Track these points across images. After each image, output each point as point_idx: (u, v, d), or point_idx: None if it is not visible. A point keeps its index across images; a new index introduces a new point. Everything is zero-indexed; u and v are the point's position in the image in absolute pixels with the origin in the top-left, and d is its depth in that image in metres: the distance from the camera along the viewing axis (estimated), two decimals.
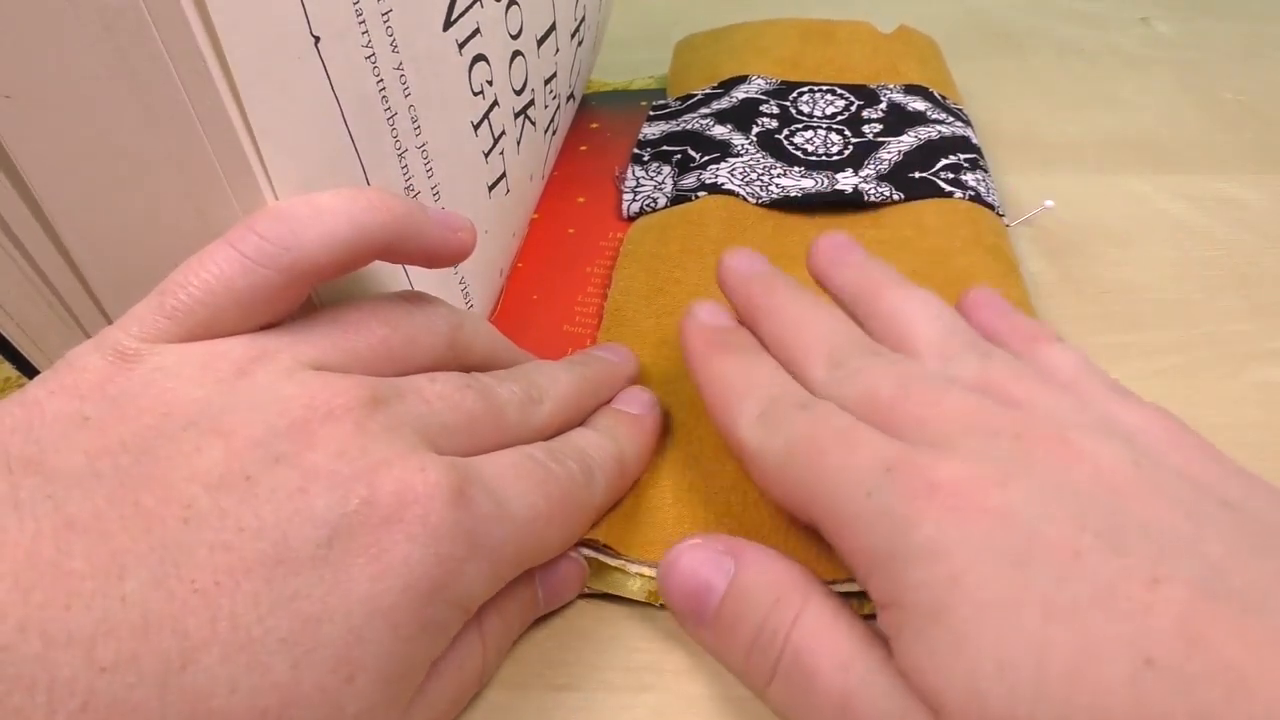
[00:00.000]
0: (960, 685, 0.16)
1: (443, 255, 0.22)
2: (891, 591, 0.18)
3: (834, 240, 0.26)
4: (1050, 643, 0.15)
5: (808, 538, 0.23)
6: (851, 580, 0.21)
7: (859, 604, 0.21)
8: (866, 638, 0.19)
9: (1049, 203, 0.36)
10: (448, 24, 0.26)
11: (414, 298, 0.22)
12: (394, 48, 0.23)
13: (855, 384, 0.21)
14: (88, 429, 0.16)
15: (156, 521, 0.15)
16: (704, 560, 0.21)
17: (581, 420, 0.25)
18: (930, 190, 0.35)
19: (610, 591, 0.24)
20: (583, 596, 0.24)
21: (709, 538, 0.21)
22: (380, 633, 0.17)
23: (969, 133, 0.38)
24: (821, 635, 0.19)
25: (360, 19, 0.21)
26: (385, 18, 0.22)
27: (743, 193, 0.35)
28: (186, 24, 0.16)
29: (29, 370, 0.23)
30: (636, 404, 0.26)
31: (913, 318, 0.23)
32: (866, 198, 0.35)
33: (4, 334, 0.23)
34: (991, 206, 0.35)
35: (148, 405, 0.17)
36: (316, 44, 0.20)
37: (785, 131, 0.38)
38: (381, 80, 0.22)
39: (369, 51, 0.22)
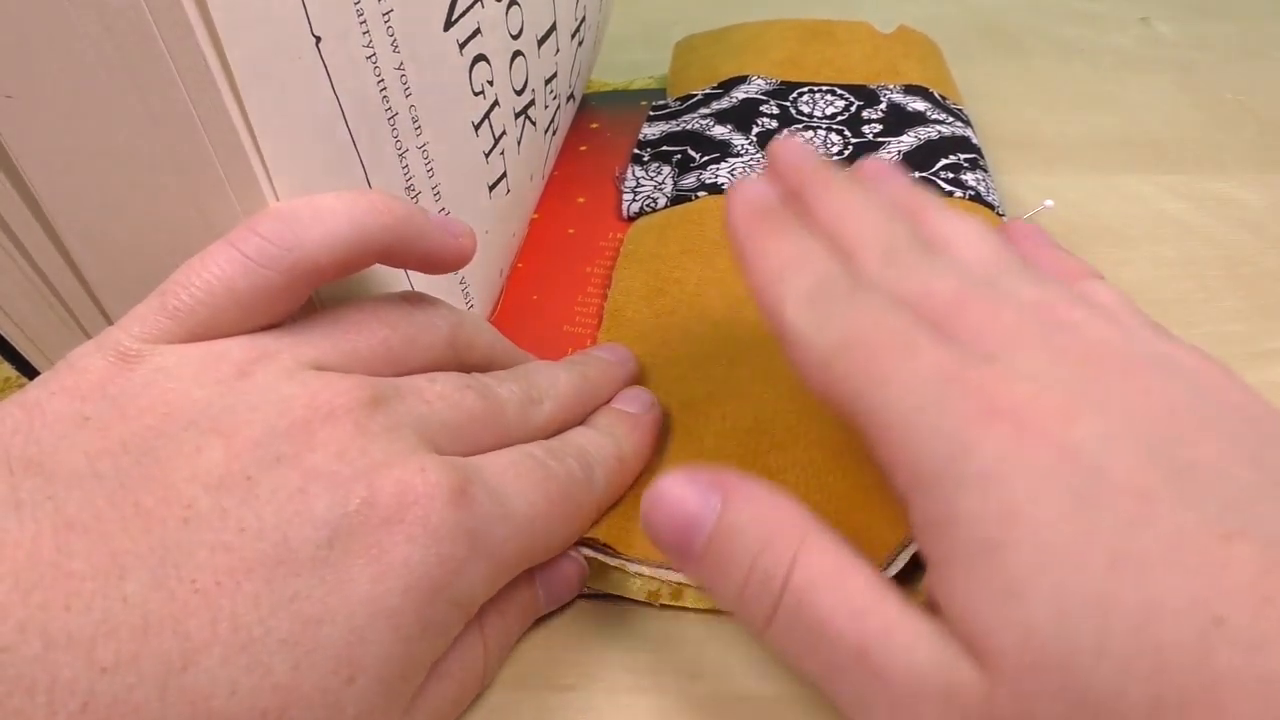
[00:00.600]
0: (1014, 633, 0.15)
1: (443, 260, 0.22)
2: (936, 514, 0.17)
3: (881, 163, 0.26)
4: (1115, 595, 0.15)
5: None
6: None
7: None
8: (877, 580, 0.18)
9: (1049, 203, 0.36)
10: (448, 24, 0.25)
11: (414, 298, 0.22)
12: (395, 48, 0.23)
13: (911, 281, 0.20)
14: (88, 429, 0.16)
15: (157, 522, 0.15)
16: (689, 495, 0.19)
17: (581, 420, 0.25)
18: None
19: (610, 591, 0.24)
20: (583, 596, 0.24)
21: (695, 470, 0.20)
22: (381, 634, 0.17)
23: (969, 133, 0.38)
24: (827, 581, 0.18)
25: (361, 19, 0.21)
26: (386, 18, 0.22)
27: None
28: (188, 24, 0.16)
29: (29, 371, 0.23)
30: (635, 403, 0.26)
31: (964, 233, 0.22)
32: None
33: (3, 335, 0.23)
34: (991, 206, 0.35)
35: (148, 406, 0.17)
36: (318, 44, 0.20)
37: (785, 132, 0.38)
38: (382, 80, 0.22)
39: (370, 51, 0.22)
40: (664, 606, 0.23)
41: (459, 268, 0.23)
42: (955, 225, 0.23)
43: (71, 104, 0.18)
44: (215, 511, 0.16)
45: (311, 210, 0.19)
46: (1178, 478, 0.16)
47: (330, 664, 0.16)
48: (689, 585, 0.23)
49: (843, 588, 0.18)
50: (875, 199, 0.23)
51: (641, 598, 0.23)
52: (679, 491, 0.19)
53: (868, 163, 0.26)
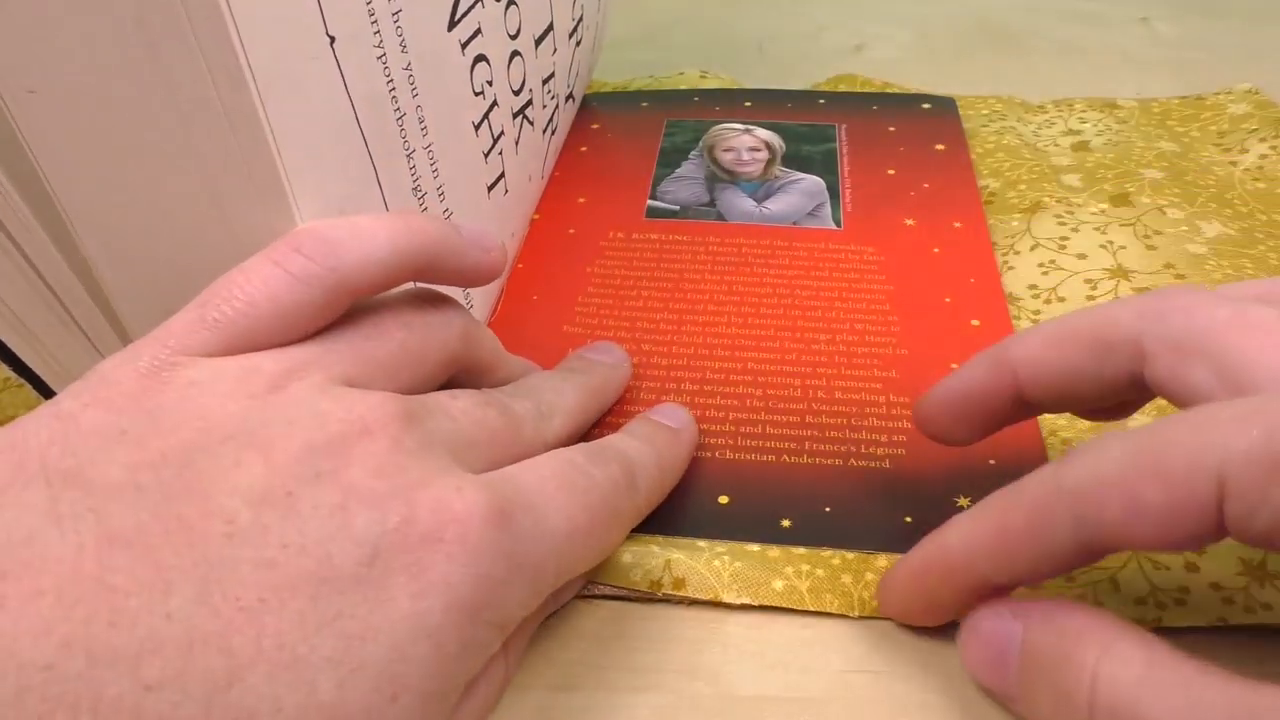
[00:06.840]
0: None
1: (477, 276, 0.22)
2: None
3: None
4: None
5: None
6: None
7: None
8: (1194, 670, 0.16)
9: None
10: (452, 24, 0.26)
11: (426, 295, 0.22)
12: (403, 48, 0.23)
13: None
14: (125, 442, 0.16)
15: (199, 536, 0.15)
16: (996, 625, 0.20)
17: (589, 427, 0.25)
18: None
19: (612, 583, 0.23)
20: (582, 596, 0.24)
21: (997, 604, 0.20)
22: (424, 651, 0.16)
23: None
24: (1142, 687, 0.17)
25: (372, 19, 0.21)
26: (395, 18, 0.22)
27: None
28: (221, 19, 0.16)
29: (27, 373, 0.23)
30: (674, 419, 0.26)
31: None
32: None
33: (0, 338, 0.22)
34: None
35: (183, 420, 0.17)
36: (332, 44, 0.20)
37: None
38: (391, 81, 0.22)
39: (380, 52, 0.22)
40: (666, 598, 0.23)
41: (491, 281, 0.23)
42: None
43: (97, 101, 0.18)
44: (257, 527, 0.16)
45: (350, 230, 0.19)
46: None
47: (374, 682, 0.16)
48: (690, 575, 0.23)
49: (1160, 692, 0.16)
50: None
51: (644, 588, 0.23)
52: (988, 624, 0.20)
53: None
